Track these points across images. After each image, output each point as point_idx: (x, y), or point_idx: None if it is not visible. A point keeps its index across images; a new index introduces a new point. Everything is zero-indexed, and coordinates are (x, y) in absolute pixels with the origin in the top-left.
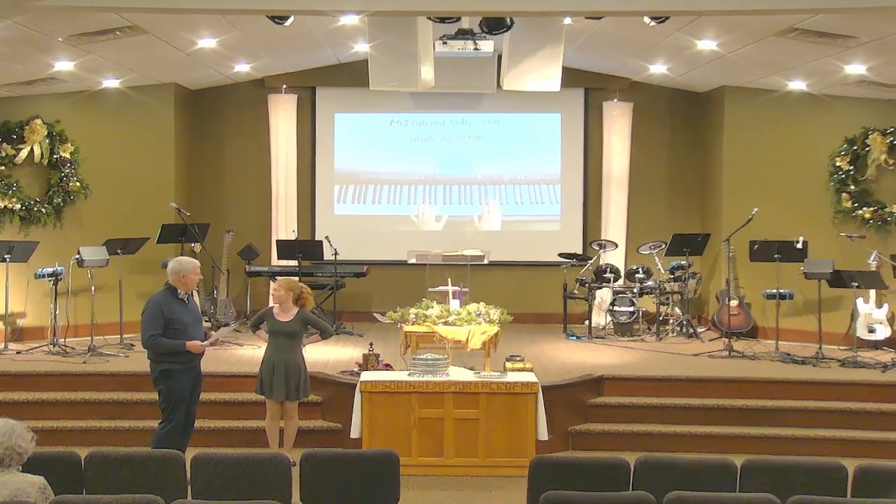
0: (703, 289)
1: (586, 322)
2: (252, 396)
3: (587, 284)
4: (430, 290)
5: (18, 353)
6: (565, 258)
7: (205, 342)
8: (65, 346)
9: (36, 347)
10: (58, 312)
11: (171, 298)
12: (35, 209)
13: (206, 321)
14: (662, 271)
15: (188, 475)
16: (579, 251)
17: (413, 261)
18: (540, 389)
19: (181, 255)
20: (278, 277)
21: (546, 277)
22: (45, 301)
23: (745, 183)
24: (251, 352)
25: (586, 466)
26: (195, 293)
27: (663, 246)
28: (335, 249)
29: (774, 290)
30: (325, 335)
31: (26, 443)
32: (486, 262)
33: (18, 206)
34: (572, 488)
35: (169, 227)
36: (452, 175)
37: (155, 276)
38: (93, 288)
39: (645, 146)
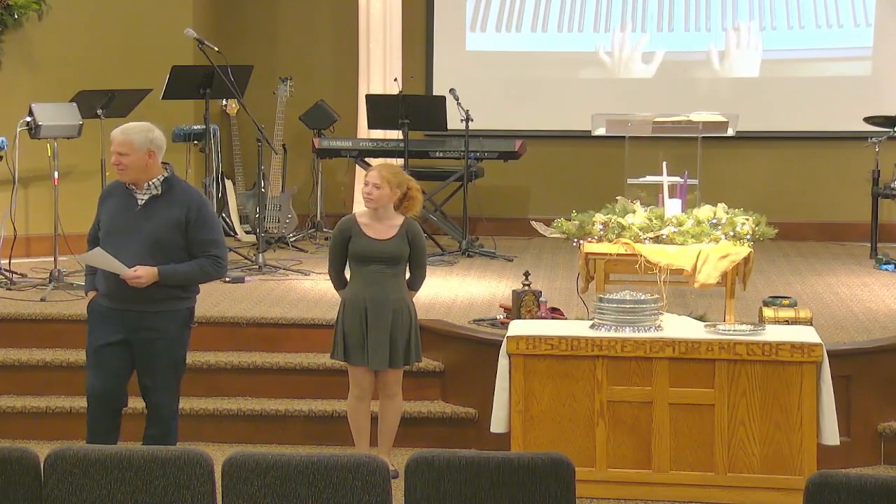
0: None
1: None
2: (325, 362)
3: None
4: (629, 181)
5: None
6: (879, 126)
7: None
8: (10, 271)
9: None
10: None
11: (116, 189)
12: None
13: (245, 231)
14: None
15: (217, 491)
16: None
17: (601, 131)
18: (825, 357)
19: (205, 117)
20: (374, 162)
21: (840, 160)
22: None
23: None
24: (323, 284)
25: None
26: (223, 188)
27: None
28: (466, 112)
29: None
30: (413, 282)
31: None
32: (730, 132)
33: None
34: None
35: (183, 72)
36: None
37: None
38: (56, 174)
39: None
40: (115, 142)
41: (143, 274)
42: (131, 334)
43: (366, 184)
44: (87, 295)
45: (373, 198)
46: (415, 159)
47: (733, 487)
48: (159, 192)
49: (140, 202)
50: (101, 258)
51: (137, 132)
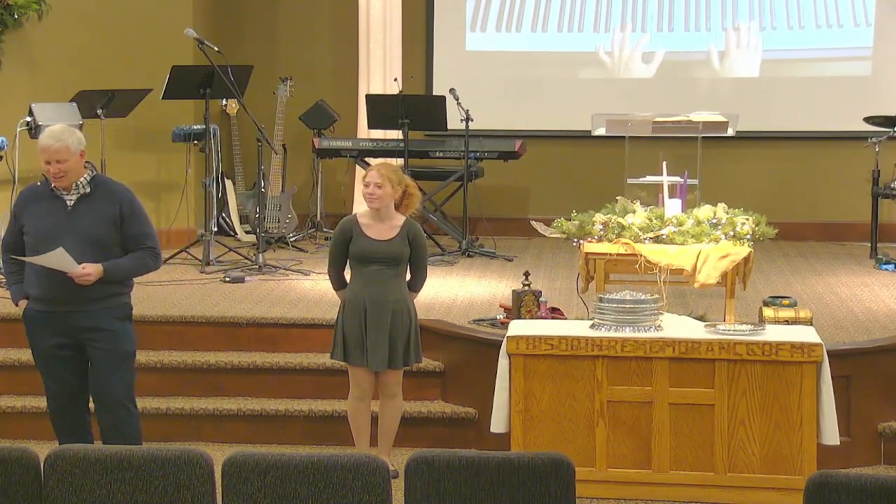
0: None
1: None
2: (325, 362)
3: None
4: (629, 181)
5: None
6: (879, 126)
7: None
8: None
9: None
10: None
11: (38, 193)
12: None
13: (245, 231)
14: None
15: (217, 490)
16: None
17: (601, 131)
18: (825, 357)
19: (205, 117)
20: (373, 162)
21: (840, 160)
22: None
23: None
24: (323, 284)
25: None
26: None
27: None
28: (466, 112)
29: None
30: (414, 283)
31: None
32: (730, 132)
33: None
34: None
35: (183, 72)
36: None
37: (160, 155)
38: None
39: None
40: (49, 150)
41: (92, 271)
42: (75, 335)
43: (366, 185)
44: (17, 305)
45: (376, 197)
46: (415, 159)
47: (733, 487)
48: (88, 190)
49: (69, 203)
50: (60, 258)
51: (70, 136)
